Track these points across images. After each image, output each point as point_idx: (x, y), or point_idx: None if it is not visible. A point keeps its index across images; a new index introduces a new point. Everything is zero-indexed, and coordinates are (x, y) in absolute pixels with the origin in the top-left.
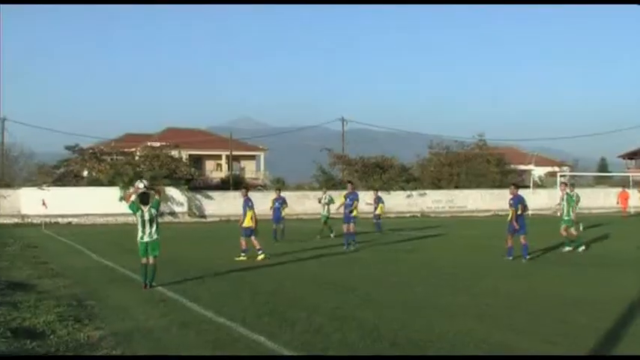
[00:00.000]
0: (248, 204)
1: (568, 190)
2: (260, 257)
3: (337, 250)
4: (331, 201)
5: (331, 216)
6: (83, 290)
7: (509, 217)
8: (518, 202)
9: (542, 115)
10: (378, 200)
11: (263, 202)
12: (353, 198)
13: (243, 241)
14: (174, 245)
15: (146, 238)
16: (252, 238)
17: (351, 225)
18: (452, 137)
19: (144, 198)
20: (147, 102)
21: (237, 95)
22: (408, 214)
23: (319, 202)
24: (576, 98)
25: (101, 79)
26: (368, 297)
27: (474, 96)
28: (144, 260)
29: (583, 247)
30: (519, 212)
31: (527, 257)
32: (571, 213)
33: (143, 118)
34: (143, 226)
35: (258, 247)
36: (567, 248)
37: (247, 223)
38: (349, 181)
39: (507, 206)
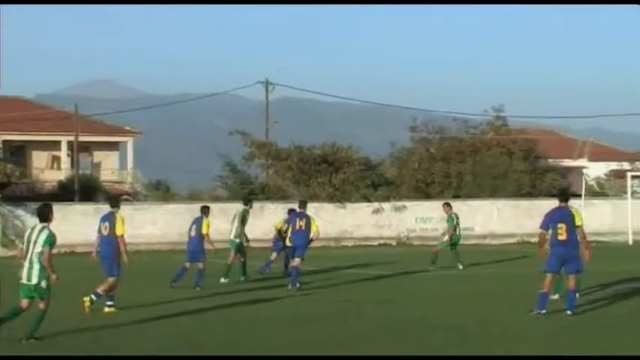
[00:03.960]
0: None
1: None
2: (106, 310)
3: (267, 298)
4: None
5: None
6: None
7: (545, 246)
8: (558, 219)
9: (597, 83)
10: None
11: (132, 221)
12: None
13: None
14: None
15: (24, 278)
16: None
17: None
18: (449, 113)
19: (42, 212)
20: None
21: (87, 44)
22: (375, 242)
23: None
24: None
25: None
26: None
27: (487, 53)
28: (24, 303)
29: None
30: (562, 237)
31: (574, 310)
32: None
33: None
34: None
35: (101, 290)
36: None
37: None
38: (302, 201)
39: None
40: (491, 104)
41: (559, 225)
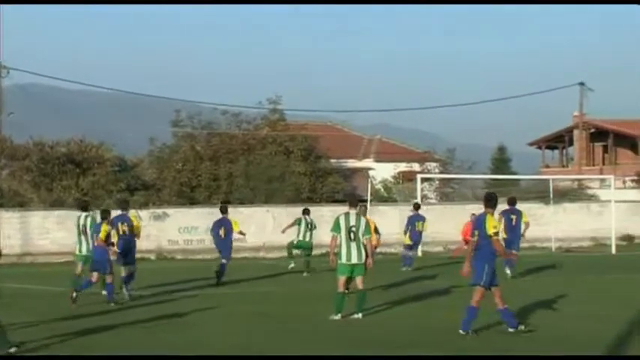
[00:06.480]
0: None
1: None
2: None
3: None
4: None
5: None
6: None
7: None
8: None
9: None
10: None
11: None
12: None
13: None
14: None
15: None
16: None
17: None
18: (217, 105)
19: None
20: None
21: None
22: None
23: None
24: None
25: None
26: None
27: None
28: None
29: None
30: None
31: (518, 326)
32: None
33: None
34: None
35: None
36: None
37: None
38: (121, 201)
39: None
40: (267, 95)
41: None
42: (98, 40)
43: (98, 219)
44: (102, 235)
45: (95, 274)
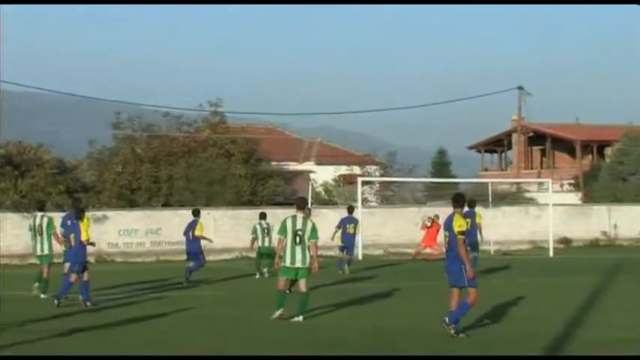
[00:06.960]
0: None
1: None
2: None
3: None
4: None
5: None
6: None
7: None
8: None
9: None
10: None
11: None
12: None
13: None
14: None
15: None
16: None
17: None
18: (158, 107)
19: None
20: None
21: None
22: None
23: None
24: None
25: None
26: None
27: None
28: None
29: None
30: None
31: (459, 334)
32: None
33: None
34: None
35: None
36: None
37: None
38: (75, 200)
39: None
40: (208, 98)
41: None
42: (37, 39)
43: (56, 219)
44: (84, 237)
45: (74, 275)
